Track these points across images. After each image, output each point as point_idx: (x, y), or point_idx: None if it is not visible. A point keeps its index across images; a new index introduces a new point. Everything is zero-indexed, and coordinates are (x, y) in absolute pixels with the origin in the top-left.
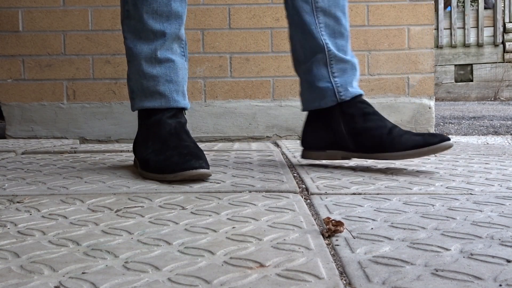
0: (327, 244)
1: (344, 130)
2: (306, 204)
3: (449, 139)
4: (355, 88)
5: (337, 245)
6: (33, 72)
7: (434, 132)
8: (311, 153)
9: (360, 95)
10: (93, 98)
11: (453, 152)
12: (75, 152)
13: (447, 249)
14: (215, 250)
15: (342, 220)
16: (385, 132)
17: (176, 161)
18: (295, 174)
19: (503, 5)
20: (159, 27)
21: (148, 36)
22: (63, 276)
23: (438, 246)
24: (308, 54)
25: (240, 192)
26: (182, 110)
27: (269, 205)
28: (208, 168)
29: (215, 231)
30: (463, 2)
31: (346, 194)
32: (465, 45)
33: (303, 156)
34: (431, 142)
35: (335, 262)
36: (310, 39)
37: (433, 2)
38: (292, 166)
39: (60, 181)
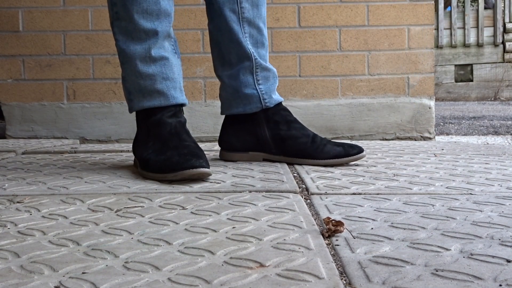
0: (327, 244)
1: (268, 135)
2: (306, 204)
3: (363, 151)
4: (277, 95)
5: (337, 245)
6: (33, 72)
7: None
8: (233, 154)
9: (281, 102)
10: (93, 98)
11: (453, 152)
12: (75, 152)
13: (447, 249)
14: (215, 250)
15: (342, 220)
16: (309, 141)
17: (176, 161)
18: (295, 174)
19: (503, 5)
20: (151, 26)
21: (140, 36)
22: (63, 276)
23: (438, 246)
24: (234, 60)
25: (240, 192)
26: (181, 107)
27: (269, 205)
28: (209, 168)
29: (215, 231)
30: (463, 2)
31: (346, 194)
32: (465, 45)
33: (223, 157)
34: (350, 153)
35: (335, 262)
36: (237, 47)
37: (433, 2)
38: (292, 166)
39: (60, 181)
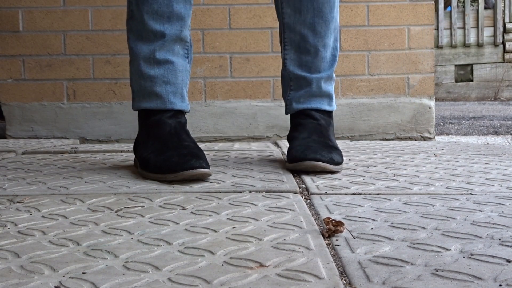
0: (327, 244)
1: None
2: (306, 204)
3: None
4: (301, 103)
5: (337, 245)
6: (33, 72)
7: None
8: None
9: (304, 109)
10: (93, 98)
11: (453, 152)
12: (75, 152)
13: (447, 249)
14: (215, 250)
15: (342, 220)
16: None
17: (176, 161)
18: (295, 174)
19: (503, 5)
20: (159, 28)
21: (148, 36)
22: (63, 276)
23: (438, 246)
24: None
25: (240, 192)
26: (181, 111)
27: (269, 205)
28: (208, 168)
29: (215, 231)
30: (463, 2)
31: (346, 194)
32: (465, 45)
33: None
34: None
35: (335, 262)
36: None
37: (433, 2)
38: None
39: (60, 181)
